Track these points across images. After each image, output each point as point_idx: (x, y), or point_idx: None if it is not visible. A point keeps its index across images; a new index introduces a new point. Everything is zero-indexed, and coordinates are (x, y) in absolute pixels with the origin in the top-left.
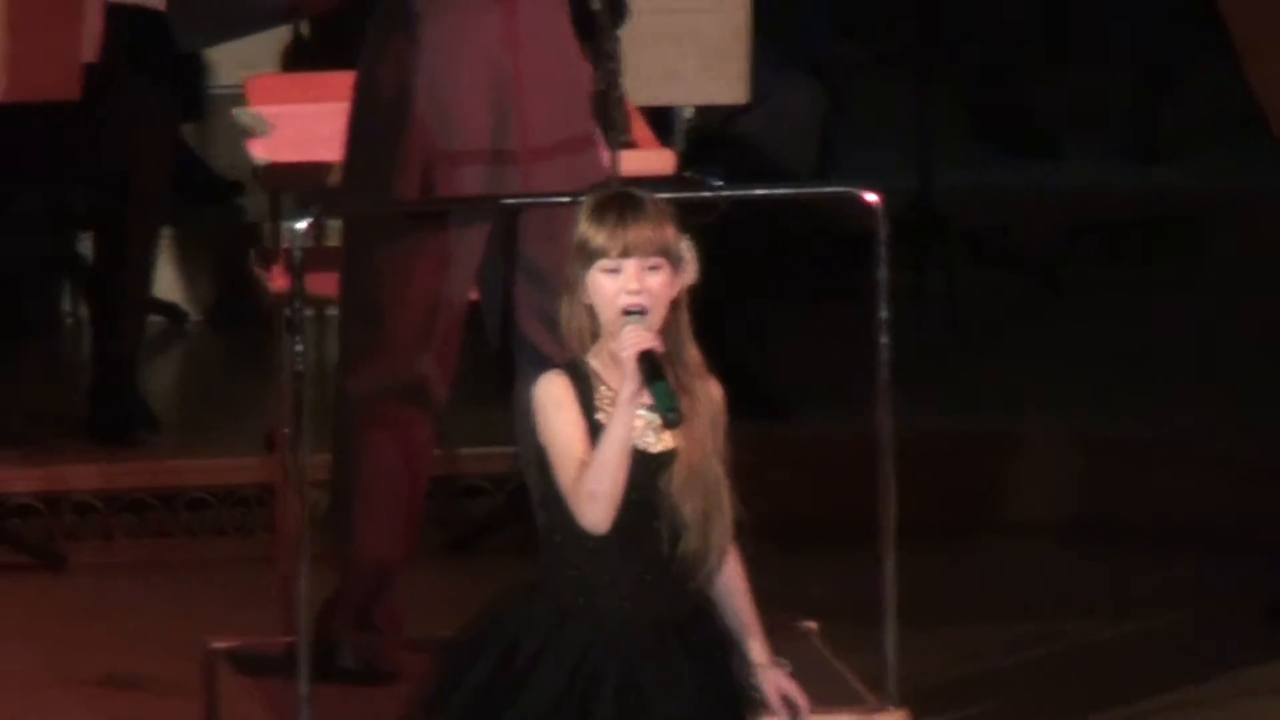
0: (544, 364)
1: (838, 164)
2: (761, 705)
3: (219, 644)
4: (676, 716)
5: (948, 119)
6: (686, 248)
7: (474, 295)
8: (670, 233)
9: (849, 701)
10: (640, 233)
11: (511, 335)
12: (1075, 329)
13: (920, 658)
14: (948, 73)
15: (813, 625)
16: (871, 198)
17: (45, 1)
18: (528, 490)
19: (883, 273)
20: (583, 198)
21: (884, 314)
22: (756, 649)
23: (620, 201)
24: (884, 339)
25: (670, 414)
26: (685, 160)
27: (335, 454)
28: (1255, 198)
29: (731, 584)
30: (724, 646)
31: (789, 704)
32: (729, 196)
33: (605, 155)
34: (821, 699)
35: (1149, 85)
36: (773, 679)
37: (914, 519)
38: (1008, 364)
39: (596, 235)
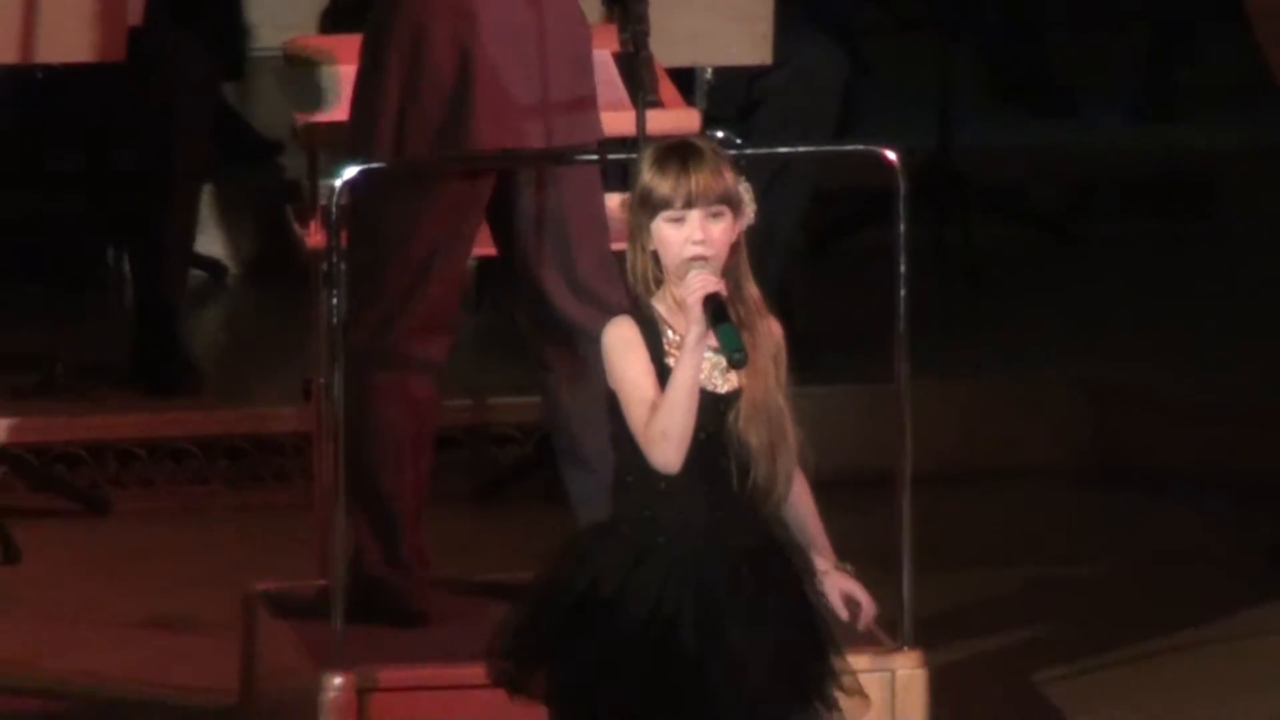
0: (556, 315)
1: (861, 123)
2: (833, 616)
3: (257, 587)
4: (756, 646)
5: (968, 80)
6: (745, 189)
7: (489, 251)
8: (730, 179)
9: (865, 641)
10: (703, 181)
11: (531, 291)
12: (1089, 283)
13: (934, 600)
14: (968, 35)
15: (849, 567)
16: (891, 155)
17: None
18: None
19: (901, 228)
20: (594, 155)
21: (902, 268)
22: (821, 557)
23: (682, 151)
24: (903, 291)
25: (736, 354)
26: (709, 119)
27: (347, 404)
28: (1266, 155)
29: (799, 503)
30: (799, 575)
31: (852, 605)
32: (752, 154)
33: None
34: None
35: (1163, 46)
36: (836, 581)
37: (929, 466)
38: (1023, 317)
39: (661, 185)
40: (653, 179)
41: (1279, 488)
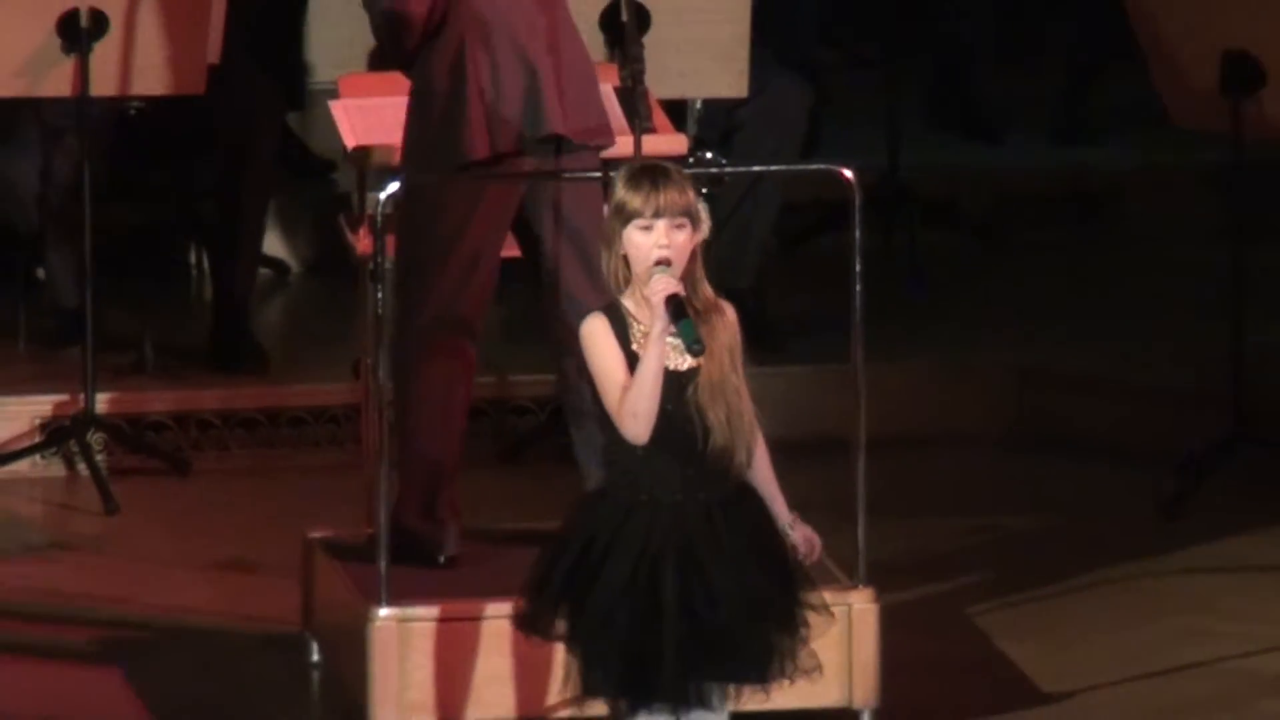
0: (581, 306)
1: (822, 145)
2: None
3: (314, 534)
4: (731, 579)
5: (911, 110)
6: (702, 208)
7: (515, 252)
8: (691, 197)
9: (827, 581)
10: (668, 197)
11: (553, 284)
12: (1013, 281)
13: (884, 546)
14: (911, 72)
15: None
16: (848, 173)
17: (178, 14)
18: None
19: (856, 234)
20: (613, 171)
21: (858, 267)
22: (779, 511)
23: (652, 171)
24: (858, 287)
25: (695, 345)
26: (696, 142)
27: (396, 378)
28: (1160, 173)
29: (760, 468)
30: (765, 515)
31: (809, 544)
32: (730, 171)
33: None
34: None
35: (1074, 81)
36: (799, 529)
37: (880, 434)
38: (958, 309)
39: (633, 199)
40: (626, 193)
41: (1171, 454)
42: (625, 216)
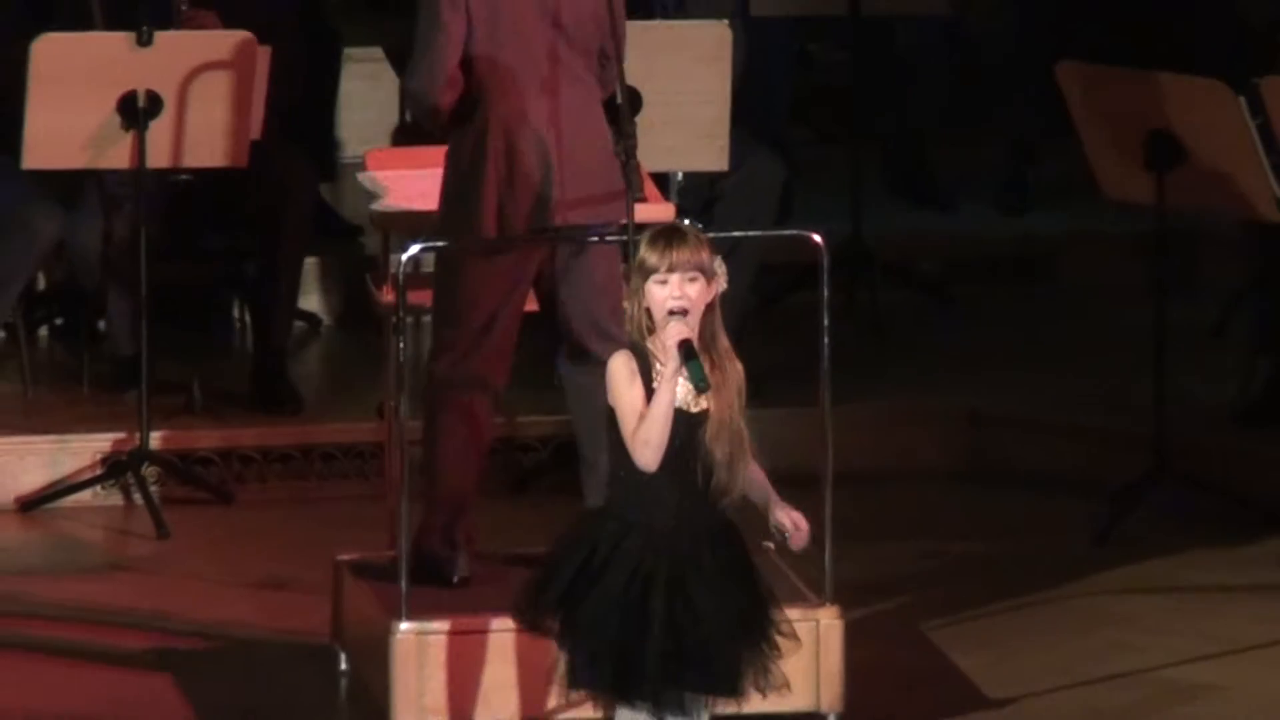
0: (588, 355)
1: (794, 213)
2: (780, 541)
3: (343, 557)
4: (714, 600)
5: (873, 181)
6: (719, 264)
7: (532, 308)
8: (705, 255)
9: (797, 599)
10: (682, 254)
11: (564, 335)
12: (964, 333)
13: (849, 568)
14: (872, 147)
15: (769, 544)
16: (816, 238)
17: (224, 96)
18: (567, 446)
19: (825, 292)
20: (609, 234)
21: (825, 321)
22: (773, 499)
23: (669, 232)
24: (826, 339)
25: (701, 384)
26: (680, 211)
27: (425, 418)
28: (1094, 238)
29: (755, 475)
30: (747, 550)
31: (797, 524)
32: (713, 236)
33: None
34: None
35: (1017, 158)
36: (784, 510)
37: (845, 469)
38: (915, 358)
39: (651, 256)
40: (647, 252)
41: (1102, 488)
42: (645, 272)
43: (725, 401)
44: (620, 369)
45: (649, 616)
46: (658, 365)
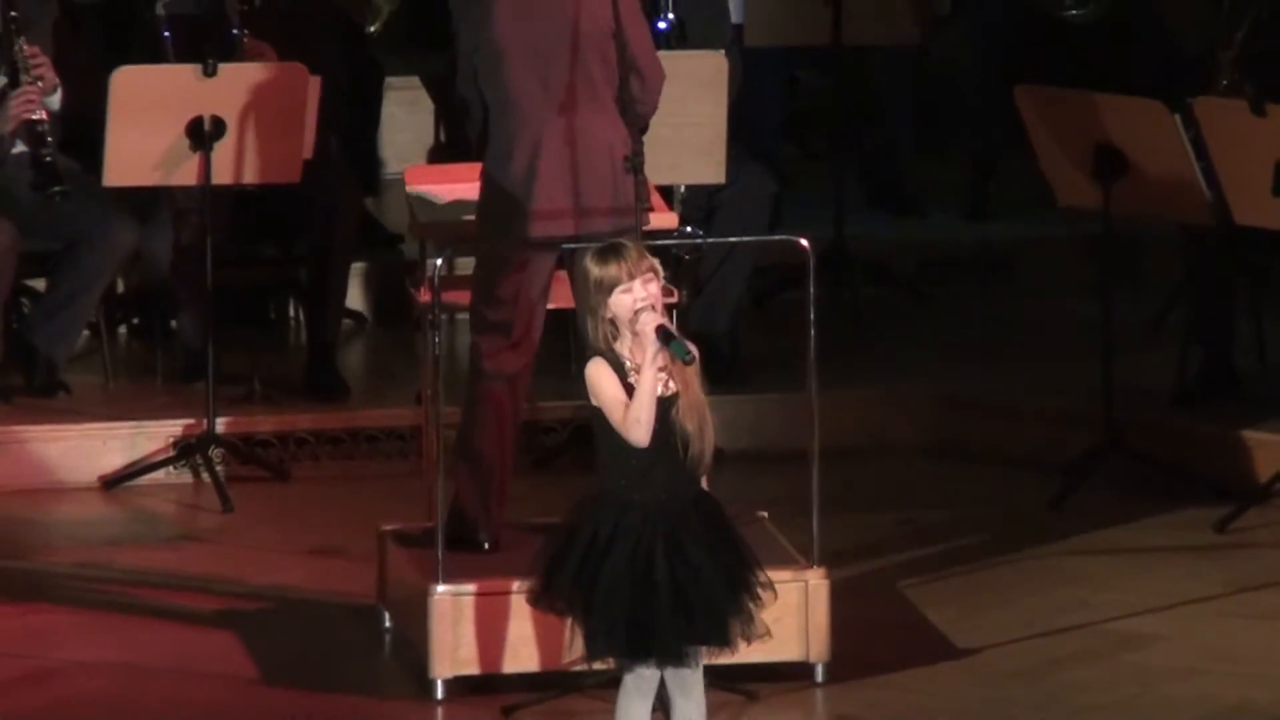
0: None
1: (784, 220)
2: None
3: (387, 527)
4: (706, 562)
5: (853, 191)
6: (659, 264)
7: (557, 304)
8: (649, 257)
9: (787, 562)
10: (634, 262)
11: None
12: (935, 327)
13: (833, 535)
14: (851, 161)
15: (764, 514)
16: (804, 243)
17: (280, 121)
18: (583, 428)
19: (811, 290)
20: (599, 243)
21: (812, 315)
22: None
23: (613, 248)
24: (812, 332)
25: (687, 356)
26: (683, 219)
27: (466, 404)
28: (1050, 242)
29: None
30: (723, 511)
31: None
32: (709, 242)
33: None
34: (768, 562)
35: (980, 170)
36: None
37: (829, 446)
38: (891, 348)
39: (608, 271)
40: (601, 270)
41: (1058, 461)
42: (608, 287)
43: (689, 381)
44: (598, 369)
45: (655, 583)
46: (628, 364)
